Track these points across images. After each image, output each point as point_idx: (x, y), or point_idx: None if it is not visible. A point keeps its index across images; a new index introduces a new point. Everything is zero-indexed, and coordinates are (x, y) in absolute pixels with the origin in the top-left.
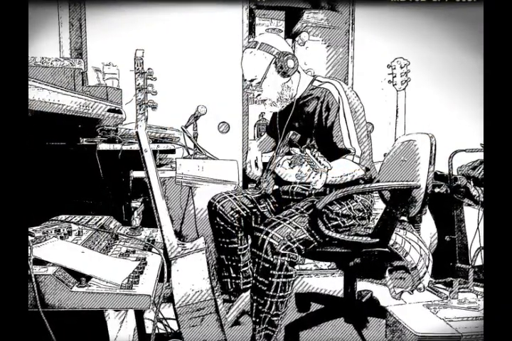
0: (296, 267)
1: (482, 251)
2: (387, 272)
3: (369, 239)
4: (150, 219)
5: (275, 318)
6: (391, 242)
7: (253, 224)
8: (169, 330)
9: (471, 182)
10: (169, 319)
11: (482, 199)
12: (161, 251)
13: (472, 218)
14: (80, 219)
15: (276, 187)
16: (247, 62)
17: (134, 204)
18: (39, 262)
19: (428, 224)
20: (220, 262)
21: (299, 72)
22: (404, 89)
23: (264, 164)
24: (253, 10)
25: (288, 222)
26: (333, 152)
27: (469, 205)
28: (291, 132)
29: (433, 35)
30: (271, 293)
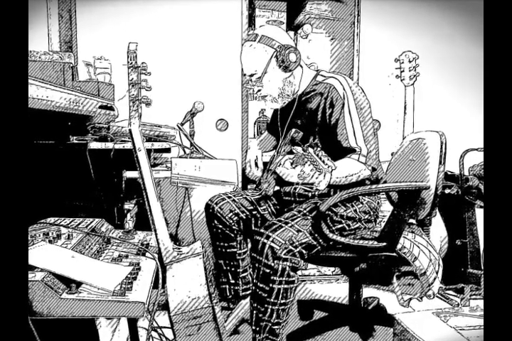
0: (299, 273)
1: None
2: (394, 278)
3: (375, 242)
4: (144, 221)
5: (276, 327)
6: (399, 246)
7: (253, 227)
8: (164, 340)
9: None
10: (164, 327)
11: None
12: (156, 255)
13: None
14: (70, 222)
15: (277, 188)
16: (246, 55)
17: (127, 206)
18: None
19: (438, 227)
20: (218, 267)
21: (301, 66)
22: (412, 84)
23: (265, 164)
24: (253, 1)
25: (290, 225)
26: (338, 151)
27: (481, 207)
28: (293, 130)
29: (443, 28)
30: (272, 300)
